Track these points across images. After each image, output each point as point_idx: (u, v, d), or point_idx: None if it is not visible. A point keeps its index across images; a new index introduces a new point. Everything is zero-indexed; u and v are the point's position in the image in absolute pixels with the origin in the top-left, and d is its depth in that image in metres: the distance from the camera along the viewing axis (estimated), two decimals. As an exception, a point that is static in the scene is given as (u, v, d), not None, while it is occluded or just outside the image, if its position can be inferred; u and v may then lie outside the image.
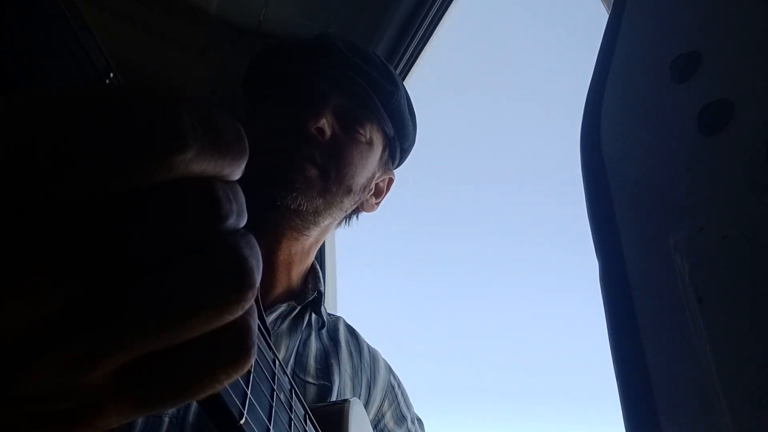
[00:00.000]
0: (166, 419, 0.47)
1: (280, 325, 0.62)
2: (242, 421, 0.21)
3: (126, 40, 0.86)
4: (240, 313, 0.15)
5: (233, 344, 0.15)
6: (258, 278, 0.15)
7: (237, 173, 0.16)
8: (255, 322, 0.16)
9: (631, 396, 0.29)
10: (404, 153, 0.80)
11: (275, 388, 0.27)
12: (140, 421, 0.45)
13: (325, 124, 0.64)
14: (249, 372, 0.23)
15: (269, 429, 0.25)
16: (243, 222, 0.16)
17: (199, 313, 0.14)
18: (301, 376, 0.60)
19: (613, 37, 0.36)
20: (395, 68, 0.89)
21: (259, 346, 0.25)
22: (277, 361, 0.29)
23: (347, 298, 1.19)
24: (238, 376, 0.15)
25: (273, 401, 0.27)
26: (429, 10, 0.79)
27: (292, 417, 0.30)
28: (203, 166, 0.14)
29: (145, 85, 0.14)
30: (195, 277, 0.14)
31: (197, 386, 0.14)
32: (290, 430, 0.29)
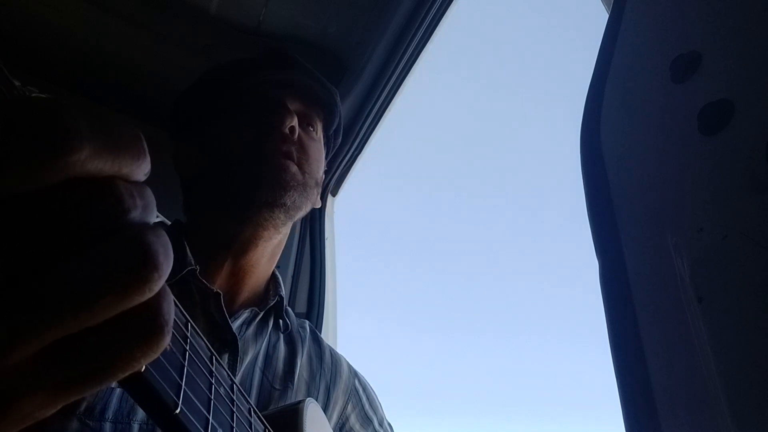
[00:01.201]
0: (135, 426, 0.47)
1: (245, 330, 0.64)
2: (177, 411, 0.22)
3: (126, 40, 0.86)
4: (149, 294, 0.16)
5: (145, 323, 0.17)
6: (164, 262, 0.17)
7: (137, 173, 0.18)
8: (169, 305, 0.18)
9: (631, 396, 0.29)
10: (332, 150, 0.87)
11: (213, 382, 0.28)
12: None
13: (296, 122, 0.69)
14: (182, 365, 0.24)
15: (209, 419, 0.26)
16: (150, 217, 0.18)
17: (104, 296, 0.15)
18: (269, 380, 0.63)
19: (613, 37, 0.36)
20: (395, 68, 0.90)
21: (192, 342, 0.26)
22: (214, 358, 0.29)
23: (348, 298, 1.19)
24: (155, 354, 0.17)
25: (212, 394, 0.27)
26: (429, 10, 0.79)
27: (234, 410, 0.31)
28: (99, 165, 0.16)
29: (40, 98, 0.16)
30: (98, 263, 0.15)
31: (115, 364, 0.16)
32: (233, 421, 0.30)
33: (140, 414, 0.48)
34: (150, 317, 0.17)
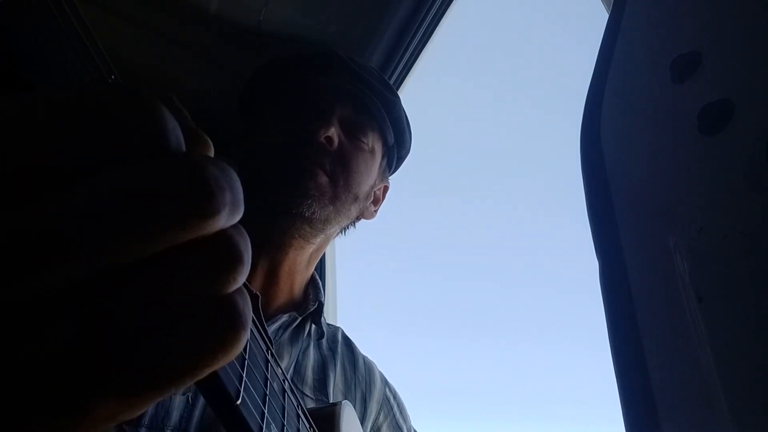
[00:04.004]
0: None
1: (281, 335, 0.62)
2: (239, 401, 0.22)
3: (126, 40, 0.86)
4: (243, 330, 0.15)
5: (227, 320, 0.15)
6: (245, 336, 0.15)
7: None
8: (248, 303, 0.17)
9: (631, 396, 0.29)
10: (400, 161, 0.83)
11: (269, 376, 0.28)
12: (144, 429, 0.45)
13: (334, 133, 0.66)
14: (244, 357, 0.24)
15: (264, 412, 0.26)
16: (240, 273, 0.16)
17: (189, 371, 0.14)
18: (299, 386, 0.61)
19: (613, 37, 0.36)
20: (395, 68, 0.90)
21: (253, 332, 0.26)
22: (270, 352, 0.29)
23: (347, 296, 1.19)
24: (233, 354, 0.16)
25: (267, 388, 0.27)
26: (429, 10, 0.79)
27: (285, 405, 0.31)
28: (226, 223, 0.15)
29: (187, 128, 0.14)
30: (192, 335, 0.14)
31: (197, 362, 0.14)
32: (284, 416, 0.30)
33: (173, 419, 0.47)
34: (232, 314, 0.15)
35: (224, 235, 0.15)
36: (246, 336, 0.16)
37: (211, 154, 0.17)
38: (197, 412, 0.48)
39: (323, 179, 0.64)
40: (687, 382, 0.27)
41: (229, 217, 0.15)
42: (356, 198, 0.68)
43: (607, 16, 0.38)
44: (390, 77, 0.91)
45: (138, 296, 0.13)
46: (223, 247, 0.15)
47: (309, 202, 0.62)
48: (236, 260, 0.15)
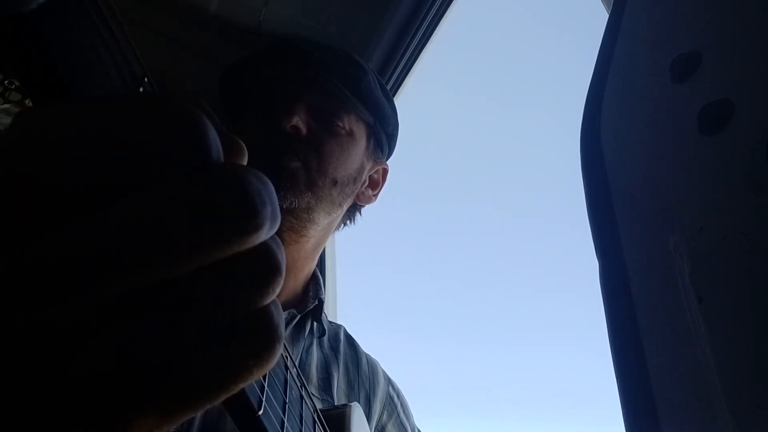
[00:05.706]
0: None
1: None
2: (260, 412, 0.22)
3: (126, 40, 0.86)
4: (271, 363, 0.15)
5: (264, 334, 0.15)
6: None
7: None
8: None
9: (631, 396, 0.29)
10: (391, 139, 0.81)
11: (288, 383, 0.28)
12: None
13: (299, 121, 0.65)
14: None
15: (284, 422, 0.26)
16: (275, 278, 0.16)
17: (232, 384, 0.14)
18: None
19: (613, 37, 0.36)
20: (395, 68, 0.90)
21: None
22: (289, 358, 0.29)
23: (347, 295, 1.19)
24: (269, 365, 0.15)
25: (286, 396, 0.27)
26: (429, 10, 0.79)
27: (303, 413, 0.31)
28: (263, 238, 0.14)
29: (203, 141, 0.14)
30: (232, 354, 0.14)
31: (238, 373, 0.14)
32: (301, 423, 0.30)
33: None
34: (267, 328, 0.15)
35: (264, 247, 0.15)
36: (281, 348, 0.15)
37: (246, 159, 0.17)
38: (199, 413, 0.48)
39: (294, 164, 0.63)
40: (687, 382, 0.27)
41: (269, 230, 0.15)
42: (335, 182, 0.67)
43: (607, 16, 0.38)
44: (390, 77, 0.91)
45: (179, 314, 0.13)
46: (263, 259, 0.15)
47: (282, 193, 0.61)
48: (275, 272, 0.15)
